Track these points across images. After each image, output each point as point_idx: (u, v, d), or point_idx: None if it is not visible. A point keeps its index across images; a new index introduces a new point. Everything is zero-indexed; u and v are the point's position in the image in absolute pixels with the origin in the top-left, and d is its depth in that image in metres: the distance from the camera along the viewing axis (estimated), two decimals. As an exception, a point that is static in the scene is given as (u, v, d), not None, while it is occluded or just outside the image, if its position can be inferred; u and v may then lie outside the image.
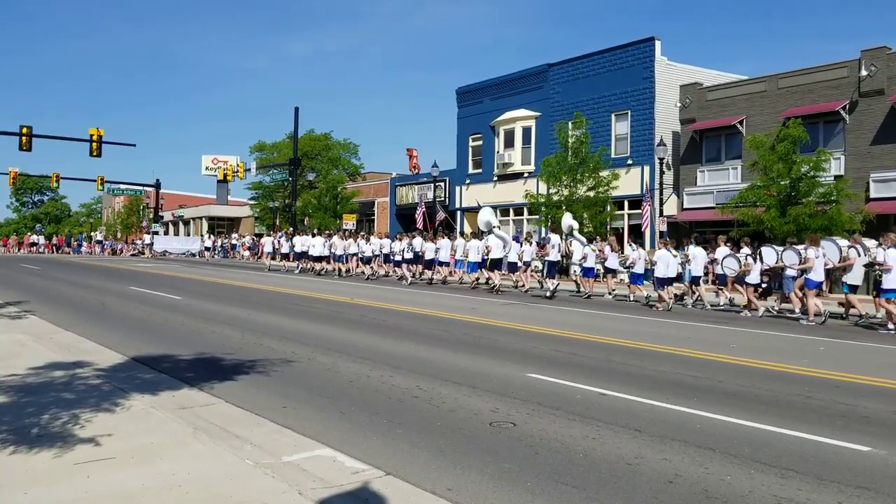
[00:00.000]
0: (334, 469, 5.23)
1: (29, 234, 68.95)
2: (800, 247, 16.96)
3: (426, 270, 26.38)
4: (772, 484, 5.14)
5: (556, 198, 28.80)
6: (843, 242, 16.92)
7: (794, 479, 5.25)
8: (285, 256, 34.96)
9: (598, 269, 22.85)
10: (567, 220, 22.74)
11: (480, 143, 39.26)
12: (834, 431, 6.50)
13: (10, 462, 5.16)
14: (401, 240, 27.39)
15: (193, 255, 53.72)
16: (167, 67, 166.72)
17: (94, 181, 55.61)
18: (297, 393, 7.88)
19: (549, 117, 34.39)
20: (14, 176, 53.58)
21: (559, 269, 22.54)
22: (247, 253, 49.16)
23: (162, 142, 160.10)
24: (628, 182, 30.40)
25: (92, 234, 73.71)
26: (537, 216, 31.52)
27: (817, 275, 16.02)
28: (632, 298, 20.33)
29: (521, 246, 23.09)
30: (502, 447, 5.96)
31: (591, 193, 28.01)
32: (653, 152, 29.37)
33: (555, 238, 22.19)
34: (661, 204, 29.04)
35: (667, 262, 18.53)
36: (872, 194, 24.16)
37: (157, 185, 58.82)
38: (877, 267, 15.09)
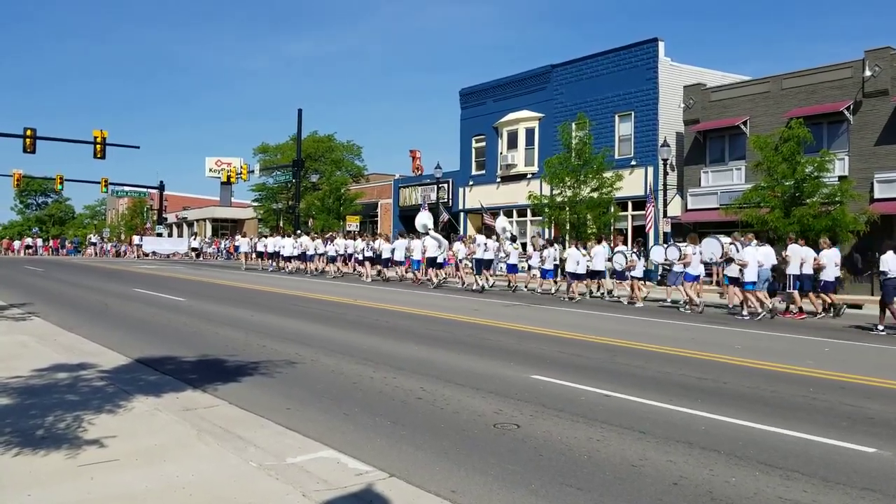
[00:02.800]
0: (338, 471, 5.22)
1: (24, 236, 69.80)
2: (682, 244, 19.28)
3: (384, 269, 28.36)
4: (777, 486, 5.12)
5: (559, 199, 28.79)
6: (726, 240, 18.81)
7: (799, 480, 5.23)
8: (260, 256, 36.37)
9: (521, 266, 25.35)
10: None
11: (484, 144, 39.27)
12: (839, 433, 6.48)
13: (14, 464, 5.16)
14: (365, 240, 29.66)
15: (180, 255, 54.10)
16: (170, 69, 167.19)
17: (98, 183, 55.77)
18: (300, 394, 7.88)
19: (552, 118, 34.38)
20: (18, 178, 53.76)
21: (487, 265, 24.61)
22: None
23: (165, 144, 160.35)
24: (632, 183, 30.35)
25: (89, 235, 74.24)
26: (541, 217, 31.49)
27: (694, 269, 18.38)
28: (539, 290, 23.26)
29: (458, 245, 26.19)
30: (506, 449, 5.94)
31: (595, 194, 27.98)
32: (656, 153, 29.33)
33: (480, 238, 24.63)
34: (665, 205, 29.02)
35: (576, 259, 20.85)
36: (877, 195, 24.11)
37: (161, 187, 58.97)
38: (736, 261, 17.24)
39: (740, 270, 17.08)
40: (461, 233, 36.25)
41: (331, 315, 15.61)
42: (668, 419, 6.91)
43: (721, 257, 18.34)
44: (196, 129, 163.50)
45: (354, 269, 30.04)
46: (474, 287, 23.29)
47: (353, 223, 42.93)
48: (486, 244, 24.04)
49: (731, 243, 18.13)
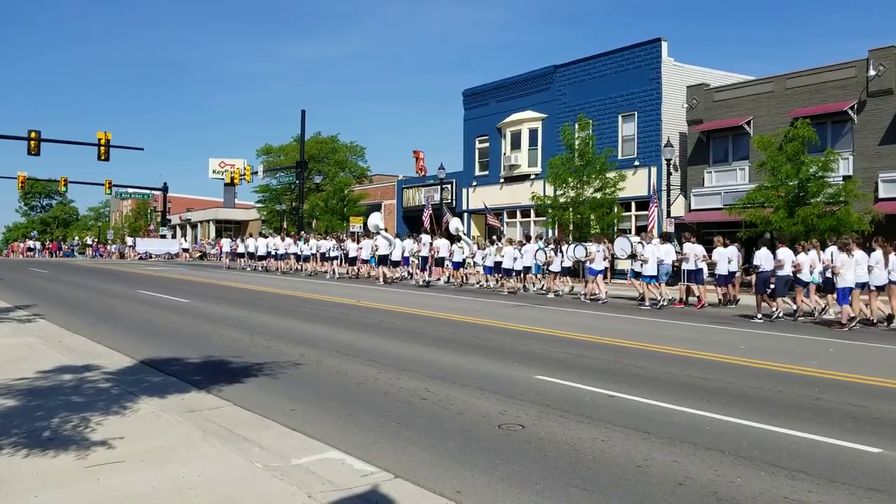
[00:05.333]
0: (343, 472, 5.24)
1: (25, 240, 70.76)
2: (588, 243, 22.03)
3: (351, 267, 30.62)
4: (782, 486, 5.12)
5: (562, 199, 28.76)
6: (635, 239, 20.95)
7: (804, 480, 5.22)
8: (241, 256, 38.55)
9: (469, 263, 27.49)
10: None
11: (487, 145, 39.23)
12: (844, 433, 6.47)
13: (21, 465, 5.19)
14: (333, 240, 32.14)
15: (184, 256, 54.49)
16: (174, 72, 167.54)
17: (102, 185, 55.70)
18: (305, 395, 7.89)
19: (555, 119, 34.35)
20: (22, 180, 53.73)
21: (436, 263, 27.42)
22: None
23: (169, 145, 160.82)
24: (635, 183, 30.31)
25: (86, 238, 75.14)
26: (544, 218, 31.46)
27: (598, 265, 20.65)
28: (482, 284, 25.53)
29: (413, 244, 27.78)
30: (511, 449, 5.95)
31: (598, 195, 27.95)
32: (660, 153, 29.27)
33: (425, 238, 27.29)
34: (669, 205, 28.96)
35: (512, 256, 23.13)
36: (881, 194, 24.03)
37: (165, 189, 58.90)
38: (638, 258, 19.35)
39: (641, 265, 19.21)
40: (466, 233, 36.19)
41: (334, 316, 15.62)
42: (673, 420, 6.91)
43: (629, 255, 20.25)
44: (199, 131, 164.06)
45: (326, 270, 32.07)
46: (420, 283, 26.08)
47: (356, 224, 42.94)
48: (431, 243, 26.66)
49: (638, 242, 20.12)
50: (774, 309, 16.35)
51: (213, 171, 52.59)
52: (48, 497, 4.61)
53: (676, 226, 28.18)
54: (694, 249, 19.29)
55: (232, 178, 48.68)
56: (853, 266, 14.86)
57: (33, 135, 36.42)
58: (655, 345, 11.68)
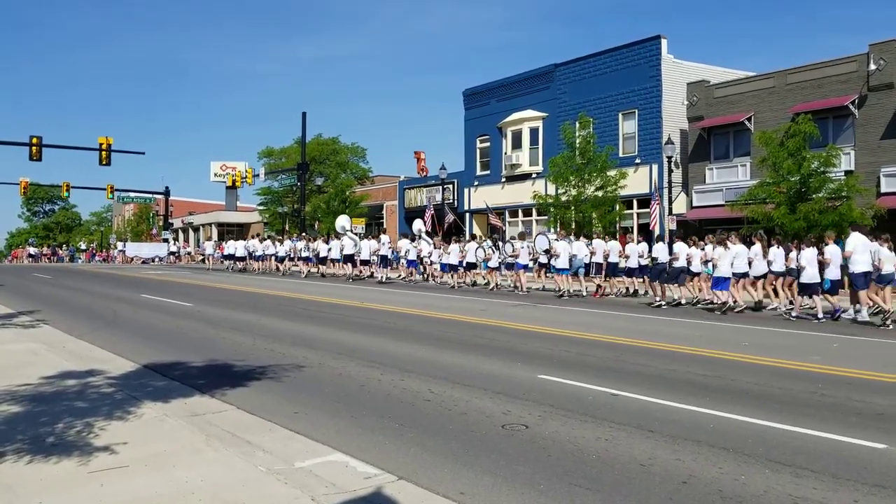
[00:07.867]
0: (347, 474, 5.24)
1: (26, 246, 71.69)
2: (514, 240, 23.96)
3: (322, 266, 32.18)
4: (787, 483, 5.11)
5: (564, 198, 28.74)
6: (552, 236, 23.18)
7: (809, 477, 5.21)
8: (226, 257, 39.84)
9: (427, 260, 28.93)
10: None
11: (488, 144, 39.24)
12: (848, 429, 6.45)
13: (24, 471, 5.19)
14: (305, 241, 33.93)
15: (186, 259, 54.79)
16: (174, 73, 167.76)
17: (104, 189, 55.88)
18: (308, 398, 7.89)
19: (556, 117, 34.33)
20: (25, 186, 53.89)
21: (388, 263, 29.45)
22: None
23: (171, 149, 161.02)
24: (637, 181, 30.29)
25: (80, 243, 76.01)
26: (546, 217, 31.44)
27: (522, 260, 22.67)
28: (434, 280, 27.37)
29: (375, 244, 29.52)
30: (514, 449, 5.94)
31: (600, 193, 27.93)
32: (661, 151, 29.26)
33: (385, 238, 29.35)
34: (671, 202, 28.94)
35: (458, 253, 24.90)
36: (883, 189, 23.99)
37: (167, 193, 59.09)
38: (551, 252, 21.41)
39: (552, 258, 21.30)
40: (467, 233, 36.23)
41: (334, 317, 15.62)
42: (676, 417, 6.90)
43: (545, 249, 22.24)
44: (202, 135, 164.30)
45: (312, 270, 33.74)
46: (381, 279, 27.82)
47: (358, 225, 42.93)
48: (387, 242, 28.84)
49: (556, 239, 22.20)
50: (658, 297, 18.54)
51: (215, 175, 52.81)
52: (51, 502, 4.61)
53: (678, 223, 28.17)
54: (603, 246, 21.51)
55: (233, 181, 48.86)
56: (729, 258, 16.54)
57: (35, 140, 36.57)
58: (657, 342, 11.66)
